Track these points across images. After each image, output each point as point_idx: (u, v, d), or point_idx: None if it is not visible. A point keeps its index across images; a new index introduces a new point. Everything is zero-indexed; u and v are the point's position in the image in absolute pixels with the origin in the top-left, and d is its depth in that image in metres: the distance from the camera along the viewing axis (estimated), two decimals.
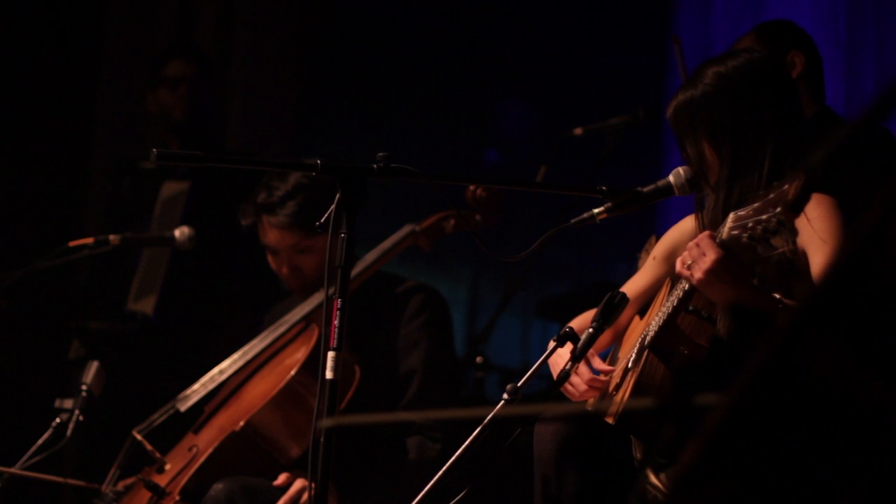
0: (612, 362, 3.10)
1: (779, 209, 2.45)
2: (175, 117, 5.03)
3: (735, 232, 2.56)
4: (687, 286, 2.75)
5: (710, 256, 2.63)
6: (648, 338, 2.83)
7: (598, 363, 2.94)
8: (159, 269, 4.89)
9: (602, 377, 2.92)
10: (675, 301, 2.79)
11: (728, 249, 2.61)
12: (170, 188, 4.97)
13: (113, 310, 4.90)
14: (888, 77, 4.78)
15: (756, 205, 2.53)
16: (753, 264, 2.70)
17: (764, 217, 2.48)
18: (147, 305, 4.87)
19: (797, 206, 2.43)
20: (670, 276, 3.03)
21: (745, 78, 2.91)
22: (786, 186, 2.46)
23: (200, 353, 4.71)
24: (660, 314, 2.85)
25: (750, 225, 2.51)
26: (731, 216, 2.60)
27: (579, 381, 2.91)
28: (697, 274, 2.65)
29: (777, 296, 2.72)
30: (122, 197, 5.05)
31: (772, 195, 2.49)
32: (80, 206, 5.79)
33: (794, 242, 2.63)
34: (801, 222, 2.71)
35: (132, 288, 4.91)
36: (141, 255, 4.95)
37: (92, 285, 4.95)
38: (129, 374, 4.72)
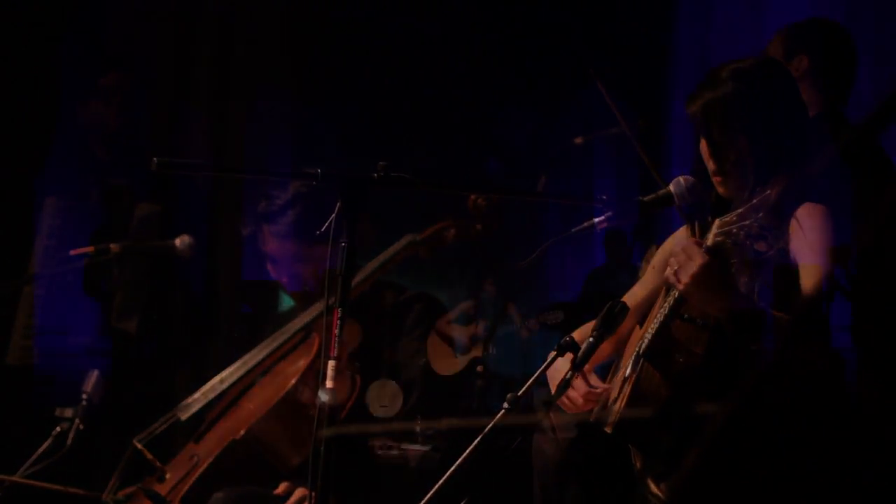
0: (615, 373, 3.09)
1: (761, 214, 2.47)
2: (109, 128, 5.07)
3: (720, 238, 2.57)
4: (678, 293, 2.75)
5: (696, 262, 2.63)
6: (643, 346, 2.82)
7: (593, 379, 2.94)
8: (140, 287, 4.92)
9: (598, 391, 2.91)
10: (668, 308, 2.79)
11: (714, 256, 2.62)
12: (143, 208, 5.02)
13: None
14: (887, 82, 4.79)
15: (740, 210, 2.54)
16: (741, 269, 2.71)
17: (747, 223, 2.50)
18: (130, 324, 4.89)
19: (779, 211, 2.44)
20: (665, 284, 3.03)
21: (764, 74, 2.91)
22: (769, 191, 2.48)
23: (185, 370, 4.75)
24: (654, 322, 2.85)
25: (734, 231, 2.53)
26: (717, 223, 2.62)
27: (576, 396, 2.91)
28: (684, 279, 2.66)
29: (759, 300, 2.72)
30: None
31: (755, 200, 2.51)
32: None
33: (779, 245, 2.64)
34: (794, 231, 2.71)
35: (114, 305, 4.93)
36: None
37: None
38: (130, 383, 4.72)
